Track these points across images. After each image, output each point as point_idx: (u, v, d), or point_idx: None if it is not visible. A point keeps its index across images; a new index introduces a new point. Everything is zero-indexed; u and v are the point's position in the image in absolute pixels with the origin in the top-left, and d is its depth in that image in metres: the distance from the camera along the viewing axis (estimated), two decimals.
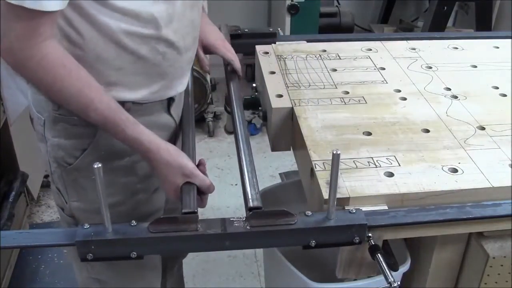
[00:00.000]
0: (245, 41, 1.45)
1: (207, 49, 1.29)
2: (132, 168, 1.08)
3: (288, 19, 2.96)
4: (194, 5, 1.06)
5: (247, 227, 0.82)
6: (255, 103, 1.27)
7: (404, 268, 1.08)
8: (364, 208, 0.86)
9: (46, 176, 2.30)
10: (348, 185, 0.89)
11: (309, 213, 0.85)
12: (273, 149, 1.18)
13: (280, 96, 1.15)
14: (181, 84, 1.12)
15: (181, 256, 1.53)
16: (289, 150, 1.17)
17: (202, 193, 0.99)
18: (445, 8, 2.92)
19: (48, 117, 1.02)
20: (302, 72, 1.26)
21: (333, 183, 0.79)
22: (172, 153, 0.96)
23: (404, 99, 1.16)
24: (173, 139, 1.16)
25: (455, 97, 1.17)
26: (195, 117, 1.15)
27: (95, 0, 0.90)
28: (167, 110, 1.12)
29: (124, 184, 1.09)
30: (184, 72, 1.12)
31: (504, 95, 1.18)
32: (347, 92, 1.18)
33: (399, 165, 0.95)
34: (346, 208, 0.87)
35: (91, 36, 0.93)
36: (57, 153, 1.05)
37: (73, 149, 1.04)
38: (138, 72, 1.01)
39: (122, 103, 1.00)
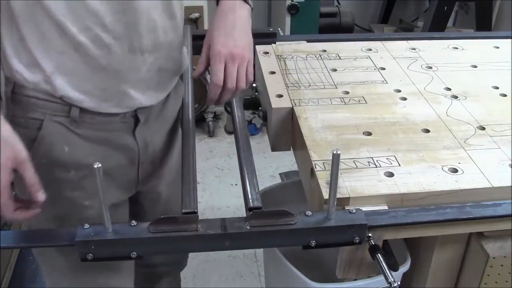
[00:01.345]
0: None
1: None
2: (79, 183, 1.03)
3: (288, 19, 2.96)
4: (156, 8, 0.97)
5: (247, 227, 0.82)
6: (255, 103, 1.27)
7: (404, 268, 1.08)
8: (364, 208, 0.86)
9: None
10: (348, 185, 0.89)
11: (309, 213, 0.85)
12: (273, 149, 1.18)
13: (280, 96, 1.15)
14: (142, 96, 1.03)
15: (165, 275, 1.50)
16: (289, 150, 1.17)
17: (27, 198, 0.87)
18: (445, 8, 2.93)
19: None
20: (302, 72, 1.26)
21: (333, 183, 0.79)
22: (10, 132, 0.85)
23: (404, 99, 1.16)
24: (134, 166, 1.11)
25: (455, 97, 1.17)
26: (195, 117, 1.15)
27: None
28: (132, 132, 1.06)
29: (70, 198, 1.04)
30: (144, 81, 1.02)
31: (504, 95, 1.18)
32: (347, 92, 1.18)
33: (399, 165, 0.95)
34: (346, 208, 0.87)
35: (36, 11, 0.90)
36: None
37: None
38: (80, 61, 0.94)
39: (69, 107, 0.96)
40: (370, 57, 1.34)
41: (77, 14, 0.90)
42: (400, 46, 1.41)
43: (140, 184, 1.17)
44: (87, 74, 0.96)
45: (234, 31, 1.01)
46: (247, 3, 1.07)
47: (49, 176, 1.00)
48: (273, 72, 1.24)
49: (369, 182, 0.90)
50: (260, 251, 2.15)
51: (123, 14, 0.93)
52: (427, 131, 1.05)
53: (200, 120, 3.06)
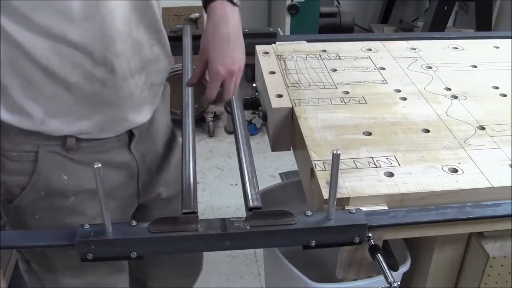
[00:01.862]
0: (245, 41, 1.44)
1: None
2: (79, 208, 1.02)
3: (288, 19, 2.96)
4: (139, 26, 0.94)
5: (247, 227, 0.82)
6: (255, 103, 1.27)
7: (404, 268, 1.08)
8: (364, 208, 0.86)
9: None
10: (348, 185, 0.89)
11: (309, 213, 0.85)
12: (273, 149, 1.18)
13: (280, 96, 1.15)
14: (139, 115, 1.03)
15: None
16: (289, 150, 1.17)
17: None
18: (445, 8, 2.93)
19: None
20: (302, 72, 1.26)
21: (333, 183, 0.79)
22: None
23: (404, 99, 1.16)
24: (134, 180, 1.10)
25: (455, 97, 1.17)
26: (195, 117, 1.15)
27: (12, 15, 0.81)
28: (127, 147, 1.05)
29: (70, 224, 1.02)
30: (140, 101, 1.01)
31: (504, 95, 1.18)
32: (347, 92, 1.18)
33: (399, 165, 0.95)
34: (346, 208, 0.87)
35: (17, 57, 0.86)
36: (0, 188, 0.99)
37: (12, 186, 0.98)
38: (75, 102, 0.91)
39: (64, 138, 0.94)
40: (370, 57, 1.34)
41: (63, 54, 0.87)
42: (400, 46, 1.41)
43: (142, 195, 1.17)
44: (83, 112, 0.94)
45: (229, 45, 1.02)
46: (236, 4, 1.06)
47: (49, 205, 1.00)
48: (273, 72, 1.24)
49: (369, 182, 0.90)
50: (260, 251, 2.15)
51: (112, 45, 0.89)
52: (427, 131, 1.05)
53: (200, 120, 3.06)
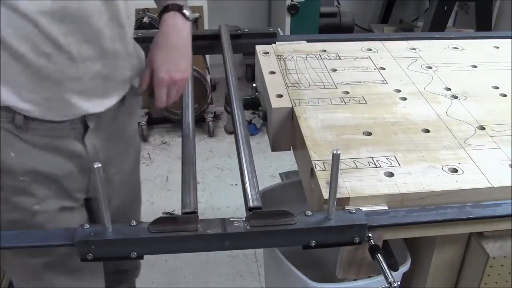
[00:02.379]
0: (245, 41, 1.45)
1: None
2: (27, 189, 1.03)
3: (288, 19, 2.96)
4: (101, 16, 0.97)
5: (247, 227, 0.82)
6: (255, 103, 1.27)
7: (404, 268, 1.08)
8: (364, 208, 0.86)
9: None
10: (348, 185, 0.89)
11: (309, 213, 0.85)
12: (273, 149, 1.18)
13: (280, 96, 1.15)
14: (89, 104, 1.03)
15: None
16: (289, 150, 1.17)
17: None
18: (445, 8, 2.93)
19: None
20: (302, 72, 1.26)
21: (333, 183, 0.79)
22: None
23: (404, 99, 1.16)
24: (84, 173, 1.10)
25: (455, 97, 1.17)
26: (195, 117, 1.15)
27: None
28: (81, 138, 1.06)
29: (19, 204, 1.04)
30: (90, 89, 1.03)
31: (504, 95, 1.18)
32: (347, 92, 1.18)
33: (399, 165, 0.95)
34: (346, 208, 0.87)
35: None
36: None
37: None
38: (22, 72, 0.93)
39: (13, 114, 0.96)
40: (370, 57, 1.34)
41: (15, 26, 0.89)
42: (400, 46, 1.41)
43: (92, 191, 1.16)
44: (30, 84, 0.95)
45: (175, 55, 1.08)
46: (188, 19, 1.11)
47: None
48: (273, 72, 1.24)
49: (369, 182, 0.90)
50: (260, 251, 2.15)
51: (63, 23, 0.92)
52: (427, 131, 1.05)
53: (200, 120, 3.06)
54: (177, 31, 1.10)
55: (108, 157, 1.15)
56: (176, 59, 1.09)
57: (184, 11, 1.10)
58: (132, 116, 1.22)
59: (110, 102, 1.09)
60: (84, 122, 1.06)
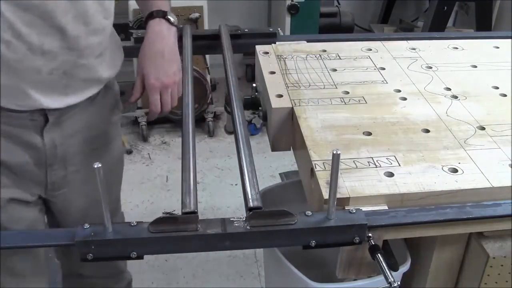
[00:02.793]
0: (245, 41, 1.45)
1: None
2: None
3: (288, 19, 2.96)
4: (66, 12, 0.96)
5: (247, 227, 0.82)
6: (255, 103, 1.27)
7: (404, 268, 1.08)
8: (364, 208, 0.86)
9: None
10: (348, 185, 0.89)
11: (309, 213, 0.85)
12: (273, 149, 1.18)
13: (280, 96, 1.15)
14: (46, 98, 1.03)
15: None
16: (289, 150, 1.17)
17: None
18: (445, 8, 2.93)
19: None
20: (302, 72, 1.26)
21: (333, 183, 0.79)
22: None
23: (404, 99, 1.16)
24: (42, 167, 1.10)
25: (455, 97, 1.17)
26: (195, 117, 1.15)
27: None
28: (40, 130, 1.06)
29: None
30: (48, 83, 1.02)
31: (504, 95, 1.18)
32: (347, 92, 1.18)
33: (399, 165, 0.95)
34: (346, 208, 0.87)
35: None
36: None
37: None
38: None
39: None
40: (370, 57, 1.34)
41: None
42: (400, 46, 1.41)
43: (50, 188, 1.15)
44: None
45: (163, 60, 1.11)
46: (173, 24, 1.14)
47: None
48: (273, 72, 1.24)
49: (369, 182, 0.90)
50: (260, 251, 2.15)
51: (26, 12, 0.92)
52: (427, 131, 1.05)
53: (200, 120, 3.06)
54: (163, 38, 1.13)
55: (69, 153, 1.14)
56: (164, 65, 1.11)
57: (169, 17, 1.13)
58: (105, 118, 1.21)
59: (72, 100, 1.08)
60: (45, 116, 1.06)
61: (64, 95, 1.07)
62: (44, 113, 1.06)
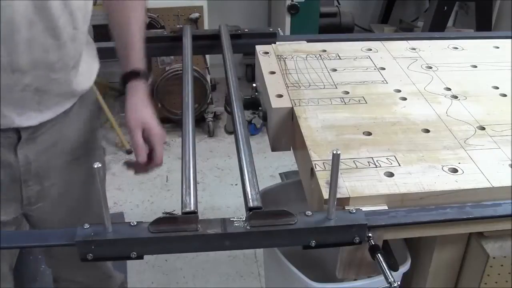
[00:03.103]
0: (245, 41, 1.45)
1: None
2: None
3: (288, 19, 2.97)
4: (34, 26, 0.94)
5: (247, 227, 0.82)
6: (255, 103, 1.27)
7: (404, 268, 1.08)
8: (364, 208, 0.86)
9: None
10: (348, 185, 0.89)
11: (309, 213, 0.85)
12: (273, 149, 1.18)
13: (280, 96, 1.15)
14: (20, 117, 1.01)
15: None
16: (289, 150, 1.17)
17: None
18: (445, 8, 2.93)
19: None
20: (302, 72, 1.26)
21: (333, 183, 0.79)
22: None
23: (404, 99, 1.16)
24: (16, 183, 1.09)
25: (455, 97, 1.17)
26: (195, 117, 1.15)
27: None
28: (14, 147, 1.04)
29: None
30: (21, 101, 1.00)
31: (504, 95, 1.18)
32: (347, 92, 1.18)
33: (399, 165, 0.95)
34: (346, 208, 0.86)
35: None
36: None
37: None
38: None
39: None
40: (370, 57, 1.34)
41: None
42: (400, 46, 1.41)
43: (26, 203, 1.15)
44: None
45: (141, 107, 1.14)
46: (145, 78, 1.17)
47: None
48: (273, 72, 1.24)
49: (369, 182, 0.90)
50: (260, 251, 2.15)
51: None
52: (427, 131, 1.05)
53: (200, 120, 3.06)
54: (140, 93, 1.16)
55: (44, 168, 1.13)
56: (142, 109, 1.14)
57: (141, 75, 1.15)
58: (83, 127, 1.20)
59: (46, 116, 1.07)
60: (18, 133, 1.04)
61: (38, 111, 1.05)
62: (18, 130, 1.04)
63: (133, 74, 1.15)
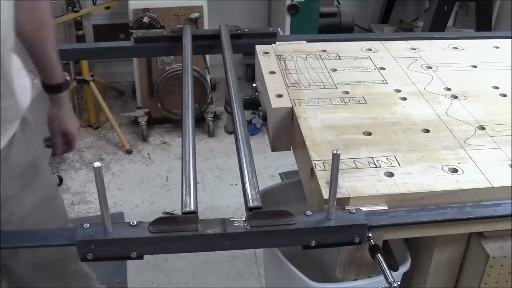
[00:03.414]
0: (245, 41, 1.45)
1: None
2: None
3: (288, 19, 2.96)
4: None
5: (247, 227, 0.82)
6: (255, 103, 1.27)
7: (404, 268, 1.08)
8: (364, 208, 0.86)
9: None
10: (348, 185, 0.89)
11: (309, 213, 0.85)
12: (273, 149, 1.18)
13: (280, 96, 1.15)
14: None
15: None
16: (289, 150, 1.17)
17: None
18: (445, 8, 2.93)
19: None
20: (302, 72, 1.26)
21: (333, 183, 0.79)
22: None
23: (404, 99, 1.16)
24: None
25: (455, 97, 1.17)
26: (195, 117, 1.15)
27: None
28: None
29: None
30: None
31: (504, 95, 1.18)
32: (347, 92, 1.18)
33: (399, 165, 0.95)
34: (346, 208, 0.87)
35: None
36: None
37: None
38: None
39: None
40: (370, 57, 1.34)
41: None
42: (400, 46, 1.41)
43: None
44: None
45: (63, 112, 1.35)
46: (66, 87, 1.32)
47: None
48: (273, 72, 1.24)
49: (369, 182, 0.90)
50: (260, 251, 2.15)
51: None
52: (427, 131, 1.05)
53: (200, 120, 3.06)
54: (65, 105, 1.34)
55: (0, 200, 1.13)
56: (67, 121, 1.35)
57: (63, 87, 1.29)
58: (27, 153, 1.20)
59: None
60: None
61: None
62: None
63: (56, 88, 1.28)
